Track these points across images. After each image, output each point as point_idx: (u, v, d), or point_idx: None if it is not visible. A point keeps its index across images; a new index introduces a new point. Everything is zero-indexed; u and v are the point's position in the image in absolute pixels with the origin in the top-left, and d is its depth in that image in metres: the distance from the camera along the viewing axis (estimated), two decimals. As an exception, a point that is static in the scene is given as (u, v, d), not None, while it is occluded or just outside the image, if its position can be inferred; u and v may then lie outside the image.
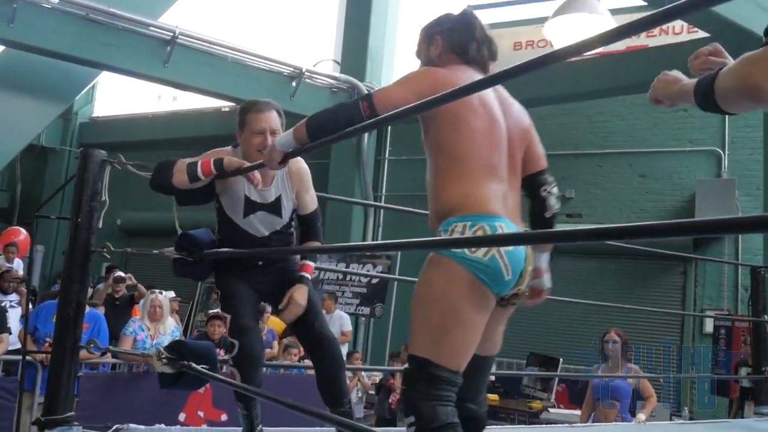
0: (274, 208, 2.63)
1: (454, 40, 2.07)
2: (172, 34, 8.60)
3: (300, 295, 2.55)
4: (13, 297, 6.93)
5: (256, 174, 2.47)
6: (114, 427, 2.83)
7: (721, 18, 6.15)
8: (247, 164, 2.42)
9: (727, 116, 8.65)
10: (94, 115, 14.49)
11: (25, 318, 4.56)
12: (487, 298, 1.83)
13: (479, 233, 1.84)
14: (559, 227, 6.85)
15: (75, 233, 2.82)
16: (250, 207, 2.59)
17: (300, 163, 2.69)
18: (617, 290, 8.50)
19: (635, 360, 8.30)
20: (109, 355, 5.44)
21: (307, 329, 2.62)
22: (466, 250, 1.80)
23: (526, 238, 1.80)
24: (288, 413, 2.63)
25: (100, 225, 2.89)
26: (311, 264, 2.68)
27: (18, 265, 7.97)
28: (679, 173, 8.85)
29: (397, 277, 9.61)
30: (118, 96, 14.58)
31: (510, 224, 1.88)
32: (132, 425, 2.88)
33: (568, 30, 6.24)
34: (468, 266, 1.80)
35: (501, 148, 1.97)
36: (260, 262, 2.62)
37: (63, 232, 13.31)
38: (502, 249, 1.82)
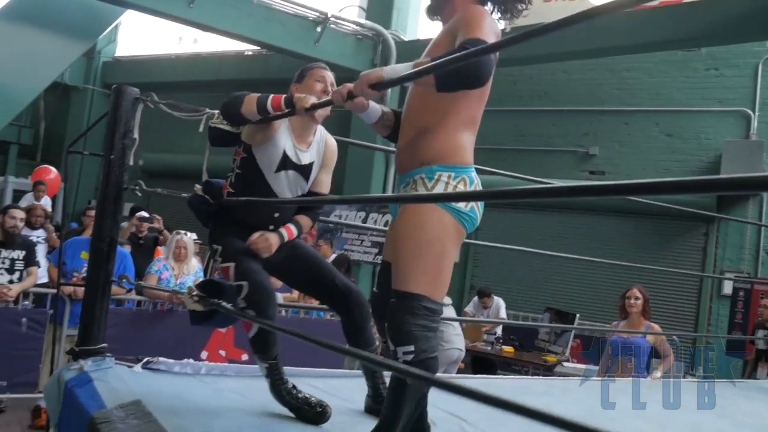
0: (305, 171, 2.61)
1: None
2: (198, -27, 8.49)
3: (267, 238, 2.50)
4: (40, 233, 7.05)
5: (321, 113, 2.47)
6: (145, 359, 2.90)
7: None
8: (316, 101, 2.32)
9: (759, 77, 8.48)
10: (117, 54, 14.45)
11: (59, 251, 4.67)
12: (463, 237, 2.11)
13: (460, 185, 2.04)
14: (581, 183, 6.88)
15: (108, 170, 2.85)
16: (285, 162, 2.55)
17: (334, 143, 2.75)
18: (637, 248, 8.49)
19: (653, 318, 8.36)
20: (134, 292, 5.57)
21: (328, 286, 2.58)
22: (453, 203, 2.03)
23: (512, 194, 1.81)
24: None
25: (131, 162, 2.93)
26: (293, 230, 2.62)
27: (46, 203, 8.08)
28: (707, 133, 8.72)
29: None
30: (140, 36, 14.53)
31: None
32: (162, 358, 2.94)
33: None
34: (456, 216, 2.03)
35: (482, 101, 2.13)
36: (271, 227, 2.57)
37: (86, 171, 13.45)
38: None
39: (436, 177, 2.03)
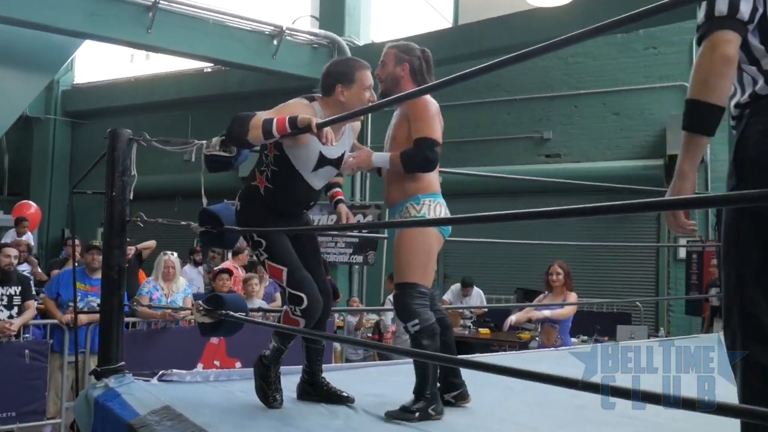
0: (338, 162, 2.82)
1: (417, 72, 2.89)
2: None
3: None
4: (24, 266, 7.27)
5: (329, 132, 2.50)
6: (160, 373, 3.22)
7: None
8: (317, 121, 2.45)
9: (695, 51, 9.02)
10: (75, 82, 14.54)
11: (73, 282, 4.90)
12: (442, 241, 2.90)
13: (438, 207, 2.84)
14: (539, 167, 7.44)
15: (111, 206, 3.16)
16: (322, 162, 2.73)
17: (357, 123, 2.95)
18: (597, 224, 8.99)
19: (615, 287, 8.89)
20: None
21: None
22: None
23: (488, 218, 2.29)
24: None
25: (131, 197, 3.24)
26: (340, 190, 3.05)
27: (28, 238, 8.26)
28: (651, 109, 9.25)
29: (383, 236, 10.07)
30: (96, 60, 14.59)
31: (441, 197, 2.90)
32: (175, 370, 3.28)
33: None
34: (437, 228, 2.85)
35: None
36: (309, 207, 2.93)
37: (56, 202, 13.56)
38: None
39: (421, 202, 2.81)
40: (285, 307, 2.73)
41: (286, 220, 2.83)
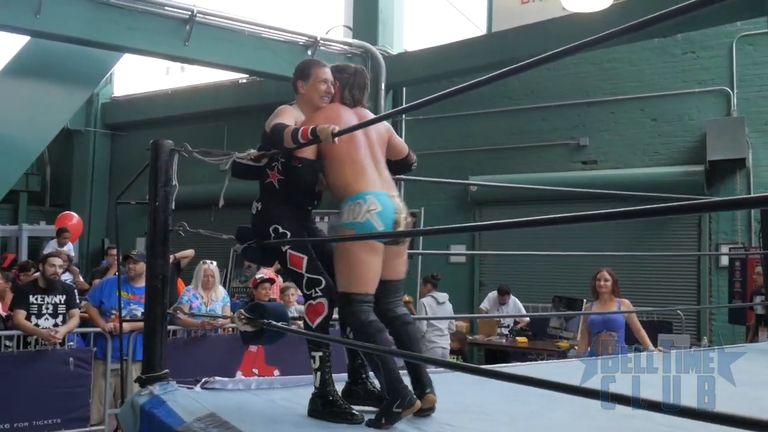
0: None
1: (346, 88, 3.07)
2: (190, 12, 8.89)
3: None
4: (67, 276, 7.41)
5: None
6: (203, 380, 3.26)
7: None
8: (333, 130, 2.68)
9: (734, 56, 8.86)
10: (115, 94, 14.83)
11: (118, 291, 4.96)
12: (372, 245, 2.77)
13: (357, 207, 2.76)
14: (575, 174, 7.32)
15: (154, 216, 3.21)
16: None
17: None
18: (634, 232, 8.86)
19: (655, 295, 8.72)
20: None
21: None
22: (351, 219, 2.77)
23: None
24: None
25: (173, 206, 3.29)
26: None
27: (69, 248, 8.43)
28: (690, 114, 9.09)
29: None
30: (133, 74, 14.87)
31: (378, 194, 2.81)
32: (217, 378, 3.31)
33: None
34: (358, 230, 2.74)
35: (364, 149, 2.91)
36: (315, 203, 3.08)
37: (96, 212, 13.83)
38: (373, 211, 2.75)
39: (342, 209, 2.83)
40: (306, 304, 2.87)
41: (301, 214, 3.00)
